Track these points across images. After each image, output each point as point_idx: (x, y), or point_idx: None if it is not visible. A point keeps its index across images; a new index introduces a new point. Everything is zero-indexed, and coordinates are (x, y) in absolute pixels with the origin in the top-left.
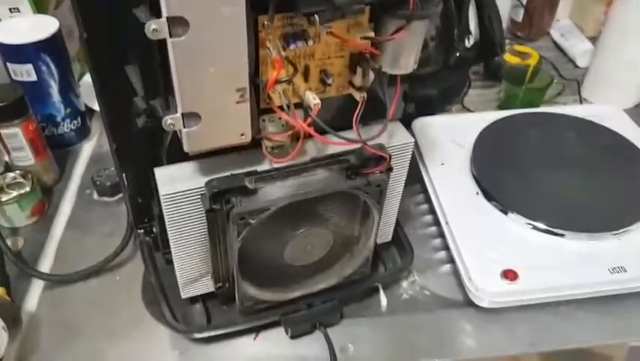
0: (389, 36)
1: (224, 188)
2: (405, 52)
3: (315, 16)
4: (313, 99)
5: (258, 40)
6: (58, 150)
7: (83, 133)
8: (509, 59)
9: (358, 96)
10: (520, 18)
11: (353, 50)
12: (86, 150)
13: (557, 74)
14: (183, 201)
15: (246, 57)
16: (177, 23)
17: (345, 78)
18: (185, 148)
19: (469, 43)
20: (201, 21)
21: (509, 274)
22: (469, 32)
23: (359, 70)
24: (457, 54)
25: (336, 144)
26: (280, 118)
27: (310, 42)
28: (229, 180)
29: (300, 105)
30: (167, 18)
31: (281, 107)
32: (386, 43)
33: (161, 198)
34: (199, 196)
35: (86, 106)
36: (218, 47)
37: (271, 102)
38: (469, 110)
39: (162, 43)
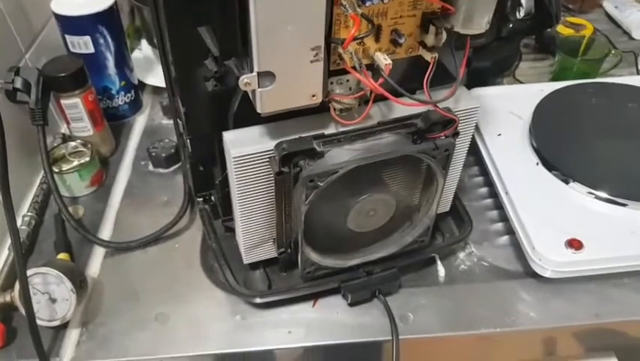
0: None
1: (294, 150)
2: (479, 10)
3: None
4: (384, 59)
5: None
6: (112, 122)
7: (136, 106)
8: (562, 30)
9: (429, 57)
10: None
11: (426, 9)
12: (139, 123)
13: (612, 47)
14: (252, 164)
15: (323, 14)
16: None
17: (415, 39)
18: (258, 109)
19: (519, 14)
20: None
21: (574, 243)
22: (519, 3)
23: (432, 29)
24: (510, 25)
25: (407, 105)
26: (348, 80)
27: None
28: (298, 142)
29: (369, 67)
30: None
31: (352, 68)
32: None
33: (231, 160)
34: (267, 159)
35: (138, 80)
36: (298, 3)
37: (342, 62)
38: (520, 83)
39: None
